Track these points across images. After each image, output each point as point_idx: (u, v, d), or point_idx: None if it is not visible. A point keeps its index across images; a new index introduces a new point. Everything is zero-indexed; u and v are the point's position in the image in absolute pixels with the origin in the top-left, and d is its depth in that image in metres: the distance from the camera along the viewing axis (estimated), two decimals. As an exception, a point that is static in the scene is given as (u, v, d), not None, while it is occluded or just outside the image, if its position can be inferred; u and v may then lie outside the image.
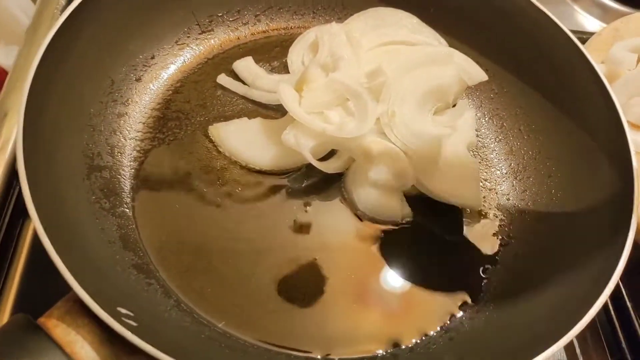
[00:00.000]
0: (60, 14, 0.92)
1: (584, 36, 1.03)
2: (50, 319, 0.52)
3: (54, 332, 0.50)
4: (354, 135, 0.72)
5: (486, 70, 0.88)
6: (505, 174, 0.83)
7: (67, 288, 0.53)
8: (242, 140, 0.78)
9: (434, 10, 0.90)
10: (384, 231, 0.74)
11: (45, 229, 0.53)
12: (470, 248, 0.75)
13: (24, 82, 0.63)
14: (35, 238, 0.74)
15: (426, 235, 0.76)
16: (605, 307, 0.75)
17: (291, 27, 0.95)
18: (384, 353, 0.65)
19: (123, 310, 0.54)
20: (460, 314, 0.69)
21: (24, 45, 0.91)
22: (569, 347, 0.76)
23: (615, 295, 0.75)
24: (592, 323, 0.76)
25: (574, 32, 0.80)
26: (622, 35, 1.00)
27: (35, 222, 0.54)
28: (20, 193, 0.76)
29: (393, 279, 0.71)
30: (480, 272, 0.73)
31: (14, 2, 1.18)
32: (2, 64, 1.15)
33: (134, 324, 0.52)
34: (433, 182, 0.75)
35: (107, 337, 0.51)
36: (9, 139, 0.77)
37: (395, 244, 0.73)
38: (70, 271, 0.51)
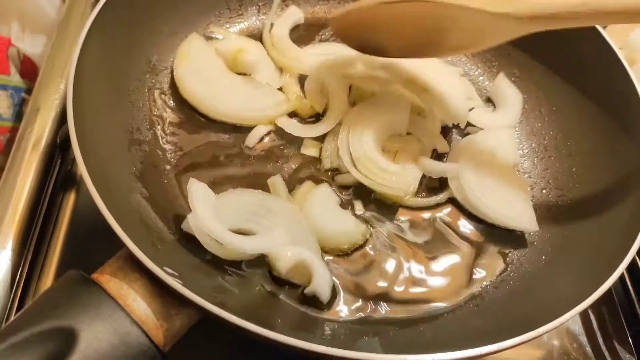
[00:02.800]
0: (90, 9, 0.97)
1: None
2: (103, 274, 0.55)
3: (107, 286, 0.54)
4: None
5: (508, 55, 0.91)
6: (527, 153, 0.85)
7: (113, 250, 0.58)
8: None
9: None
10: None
11: (98, 192, 0.57)
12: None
13: (67, 66, 0.66)
14: (75, 212, 0.79)
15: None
16: (622, 279, 0.78)
17: (317, 12, 0.98)
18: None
19: (169, 270, 0.57)
20: (485, 282, 0.72)
21: (56, 36, 0.94)
22: (585, 320, 0.79)
23: (632, 268, 0.78)
24: (609, 296, 0.79)
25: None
26: (640, 21, 1.01)
27: (89, 187, 0.57)
28: (60, 170, 0.81)
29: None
30: (504, 247, 0.76)
31: (39, -8, 1.22)
32: (28, 53, 1.18)
33: (180, 281, 0.56)
34: (486, 205, 0.75)
35: (158, 291, 0.55)
36: (44, 130, 0.80)
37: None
38: (124, 229, 0.54)
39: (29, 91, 1.13)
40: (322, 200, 0.73)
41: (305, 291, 0.65)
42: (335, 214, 0.73)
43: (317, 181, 0.77)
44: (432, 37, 0.71)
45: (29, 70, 1.15)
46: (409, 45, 0.74)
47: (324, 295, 0.65)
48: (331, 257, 0.71)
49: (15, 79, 1.11)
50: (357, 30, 0.76)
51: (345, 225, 0.73)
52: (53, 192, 0.79)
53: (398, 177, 0.75)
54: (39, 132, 0.80)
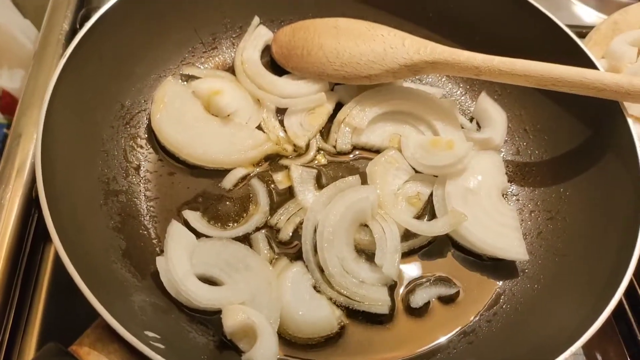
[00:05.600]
0: (65, 40, 0.96)
1: (583, 30, 1.04)
2: (82, 346, 0.54)
3: (86, 359, 0.52)
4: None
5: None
6: (514, 174, 0.84)
7: (94, 314, 0.56)
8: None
9: (432, 14, 0.91)
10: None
11: (70, 259, 0.55)
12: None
13: (38, 112, 0.65)
14: (57, 263, 0.77)
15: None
16: (620, 303, 0.77)
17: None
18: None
19: (150, 334, 0.55)
20: (477, 317, 0.71)
21: (32, 69, 0.92)
22: (585, 344, 0.77)
23: (630, 291, 0.76)
24: (608, 319, 0.77)
25: (572, 26, 0.82)
26: (621, 28, 1.00)
27: (60, 253, 0.55)
28: (39, 218, 0.78)
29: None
30: (496, 279, 0.75)
31: (17, 26, 1.20)
32: (7, 88, 1.17)
33: (162, 346, 0.54)
34: (474, 235, 0.74)
35: (138, 361, 0.53)
36: (25, 161, 0.79)
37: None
38: (99, 299, 0.53)
39: (10, 126, 1.11)
40: (294, 283, 0.69)
41: (243, 358, 0.61)
42: (307, 301, 0.68)
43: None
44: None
45: (9, 105, 1.14)
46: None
47: None
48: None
49: (-5, 115, 1.10)
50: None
51: (318, 314, 0.67)
52: (32, 246, 0.77)
53: (369, 294, 0.69)
54: (17, 182, 0.78)
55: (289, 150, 0.82)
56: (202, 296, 0.64)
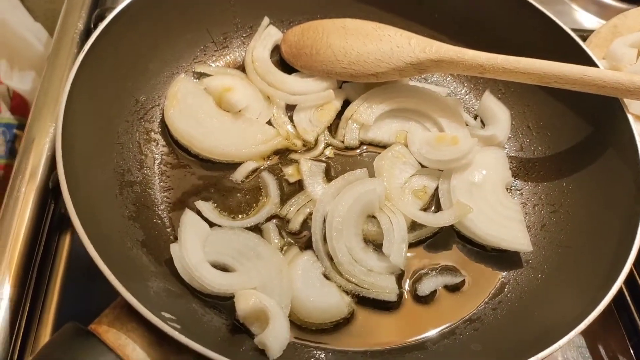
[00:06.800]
0: (79, 39, 0.98)
1: (584, 34, 1.06)
2: (101, 325, 0.55)
3: (105, 337, 0.54)
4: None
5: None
6: (517, 169, 0.86)
7: (109, 300, 0.58)
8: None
9: (437, 15, 0.93)
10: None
11: (91, 242, 0.57)
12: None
13: (57, 111, 0.67)
14: (72, 252, 0.78)
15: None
16: (621, 294, 0.79)
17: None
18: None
19: (167, 315, 0.57)
20: (483, 306, 0.72)
21: (45, 71, 0.94)
22: (587, 333, 0.79)
23: (630, 279, 0.78)
24: (608, 307, 0.79)
25: (572, 30, 0.84)
26: (620, 31, 1.03)
27: (81, 236, 0.57)
28: (54, 212, 0.80)
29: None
30: (500, 269, 0.76)
31: (27, 29, 1.23)
32: (18, 89, 1.19)
33: (178, 326, 0.56)
34: (479, 227, 0.75)
35: (156, 339, 0.55)
36: (37, 166, 0.81)
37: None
38: (119, 279, 0.54)
39: (21, 127, 1.13)
40: (304, 271, 0.71)
41: (255, 340, 0.62)
42: (317, 288, 0.70)
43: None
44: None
45: (19, 106, 1.16)
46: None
47: (273, 350, 0.61)
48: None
49: (6, 115, 1.12)
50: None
51: (328, 300, 0.69)
52: (48, 236, 0.79)
53: (377, 282, 0.71)
54: (32, 176, 0.80)
55: (298, 145, 0.84)
56: (215, 282, 0.66)
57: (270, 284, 0.67)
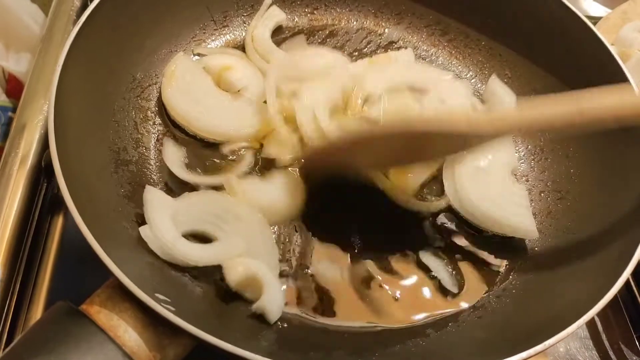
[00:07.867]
0: (75, 16, 0.95)
1: (592, 21, 1.04)
2: (92, 305, 0.53)
3: (97, 317, 0.52)
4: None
5: (499, 56, 0.90)
6: (524, 155, 0.84)
7: (101, 281, 0.56)
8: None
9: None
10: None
11: (84, 220, 0.55)
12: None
13: (50, 85, 0.64)
14: (64, 233, 0.76)
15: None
16: (627, 283, 0.77)
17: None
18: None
19: (161, 297, 0.55)
20: (486, 292, 0.71)
21: (40, 48, 0.92)
22: (591, 325, 0.77)
23: (638, 269, 0.76)
24: (614, 298, 0.77)
25: (580, 17, 0.82)
26: (630, 17, 1.01)
27: (73, 212, 0.55)
28: (45, 195, 0.78)
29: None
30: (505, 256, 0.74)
31: (23, 10, 1.20)
32: (14, 71, 1.16)
33: (172, 308, 0.54)
34: (484, 213, 0.74)
35: (149, 320, 0.53)
36: (29, 152, 0.78)
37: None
38: (112, 258, 0.52)
39: (16, 110, 1.11)
40: None
41: (253, 307, 0.61)
42: None
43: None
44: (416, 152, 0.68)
45: (15, 88, 1.14)
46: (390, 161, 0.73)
47: (272, 314, 0.61)
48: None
49: (1, 98, 1.10)
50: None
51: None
52: (40, 217, 0.77)
53: None
54: (24, 155, 0.78)
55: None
56: (197, 255, 0.63)
57: (254, 247, 0.66)
